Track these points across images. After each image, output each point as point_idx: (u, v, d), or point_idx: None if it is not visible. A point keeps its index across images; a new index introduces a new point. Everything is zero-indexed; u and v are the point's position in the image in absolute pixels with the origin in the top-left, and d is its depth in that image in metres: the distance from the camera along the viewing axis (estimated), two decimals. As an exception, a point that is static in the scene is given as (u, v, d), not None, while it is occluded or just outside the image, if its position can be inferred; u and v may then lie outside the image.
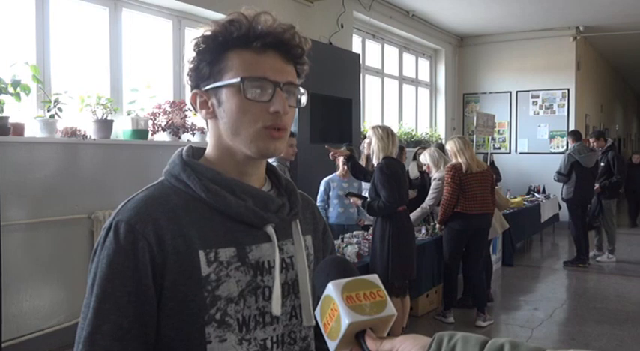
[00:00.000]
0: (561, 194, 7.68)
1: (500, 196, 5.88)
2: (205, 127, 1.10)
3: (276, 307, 1.01)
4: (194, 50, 1.01)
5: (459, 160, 4.93)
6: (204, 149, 1.09)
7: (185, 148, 1.09)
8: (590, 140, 7.98)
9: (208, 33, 1.01)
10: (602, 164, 7.79)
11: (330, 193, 5.20)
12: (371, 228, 5.04)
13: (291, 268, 1.08)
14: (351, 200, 4.58)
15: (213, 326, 0.97)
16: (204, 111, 1.04)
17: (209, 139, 1.08)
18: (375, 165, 4.24)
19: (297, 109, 1.07)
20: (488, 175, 5.04)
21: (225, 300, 0.98)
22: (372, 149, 4.23)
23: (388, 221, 4.20)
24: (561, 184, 7.67)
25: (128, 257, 0.94)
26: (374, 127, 4.28)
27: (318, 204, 5.23)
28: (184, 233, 0.97)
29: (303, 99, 1.06)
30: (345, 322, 0.80)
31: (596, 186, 7.73)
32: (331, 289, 0.83)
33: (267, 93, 0.99)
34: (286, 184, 1.14)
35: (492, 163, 8.34)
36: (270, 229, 1.04)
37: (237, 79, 0.98)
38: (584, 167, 7.33)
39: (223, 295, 0.98)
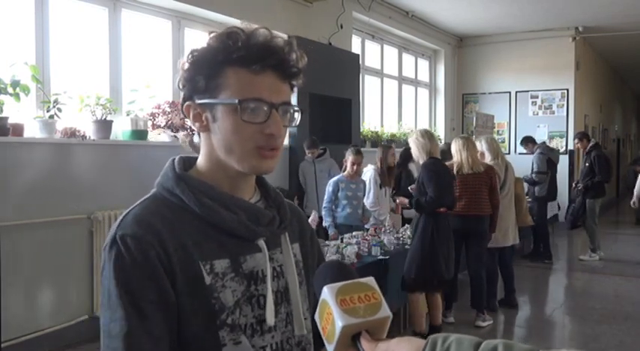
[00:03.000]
0: (534, 193, 7.67)
1: (520, 209, 5.79)
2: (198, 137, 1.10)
3: (270, 316, 1.03)
4: (189, 61, 1.03)
5: (454, 159, 4.98)
6: (195, 159, 1.10)
7: (176, 159, 1.09)
8: (574, 141, 8.04)
9: (206, 47, 1.02)
10: (586, 164, 7.86)
11: (339, 194, 5.21)
12: (371, 228, 5.09)
13: (282, 277, 1.10)
14: (398, 200, 4.87)
15: (226, 330, 1.00)
16: (197, 124, 1.05)
17: (201, 150, 1.08)
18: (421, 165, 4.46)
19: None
20: (484, 177, 4.95)
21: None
22: (414, 154, 4.50)
23: (430, 219, 4.33)
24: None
25: (142, 268, 0.94)
26: (411, 135, 4.55)
27: (325, 205, 5.25)
28: (184, 244, 0.99)
29: (297, 116, 1.07)
30: (339, 325, 0.81)
31: (580, 186, 7.84)
32: (326, 293, 0.85)
33: (263, 113, 1.00)
34: (275, 196, 1.16)
35: None
36: (261, 243, 1.06)
37: (234, 101, 0.99)
38: (555, 164, 7.65)
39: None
